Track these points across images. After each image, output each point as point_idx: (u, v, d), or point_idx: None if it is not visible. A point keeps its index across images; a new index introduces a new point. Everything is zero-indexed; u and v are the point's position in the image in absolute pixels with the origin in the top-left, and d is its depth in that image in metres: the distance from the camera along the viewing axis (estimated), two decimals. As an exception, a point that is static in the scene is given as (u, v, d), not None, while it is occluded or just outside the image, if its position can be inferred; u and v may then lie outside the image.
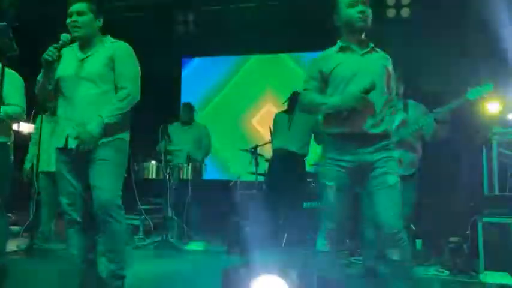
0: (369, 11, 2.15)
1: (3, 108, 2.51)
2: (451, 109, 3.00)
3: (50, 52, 2.24)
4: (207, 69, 6.97)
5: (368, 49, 2.19)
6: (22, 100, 2.84)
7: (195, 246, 4.31)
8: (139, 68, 2.40)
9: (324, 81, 2.21)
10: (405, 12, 5.52)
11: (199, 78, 6.96)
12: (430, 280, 3.23)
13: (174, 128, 4.98)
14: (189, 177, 4.56)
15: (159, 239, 4.37)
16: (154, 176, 4.66)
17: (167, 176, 4.50)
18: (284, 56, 6.66)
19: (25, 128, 4.81)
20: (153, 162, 4.74)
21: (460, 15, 5.05)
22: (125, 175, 2.45)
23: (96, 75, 2.30)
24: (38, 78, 2.36)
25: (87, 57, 2.34)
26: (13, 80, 2.78)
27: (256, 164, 4.62)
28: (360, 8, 2.13)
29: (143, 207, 4.79)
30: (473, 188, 4.14)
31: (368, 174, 2.10)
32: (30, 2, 5.62)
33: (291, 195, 4.17)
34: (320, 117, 2.26)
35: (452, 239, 3.84)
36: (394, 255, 2.04)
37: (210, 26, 6.16)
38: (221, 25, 6.08)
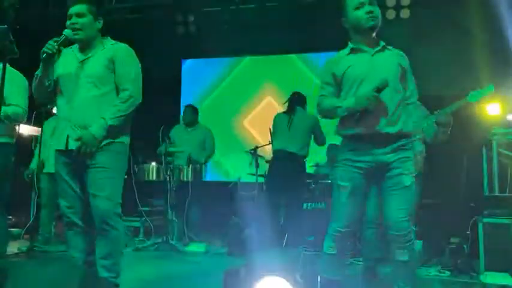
0: (377, 11, 2.15)
1: (3, 108, 2.48)
2: (452, 111, 3.00)
3: (49, 45, 2.23)
4: (206, 71, 6.98)
5: (379, 48, 2.19)
6: (24, 101, 2.80)
7: (195, 247, 4.31)
8: (140, 69, 2.40)
9: (338, 84, 2.22)
10: (405, 13, 5.53)
11: (199, 79, 6.98)
12: (431, 281, 3.23)
13: (177, 130, 4.99)
14: (190, 178, 4.56)
15: (159, 240, 4.37)
16: (154, 178, 4.66)
17: (167, 177, 4.50)
18: (284, 57, 6.68)
19: (25, 129, 4.82)
20: (154, 163, 4.75)
21: (460, 17, 5.05)
22: (125, 177, 2.45)
23: (97, 76, 2.29)
24: (37, 72, 2.34)
25: (87, 58, 2.33)
26: (16, 80, 2.74)
27: (257, 165, 4.62)
28: (367, 8, 2.13)
29: (143, 208, 4.79)
30: (473, 189, 4.14)
31: (384, 175, 2.11)
32: (31, 3, 5.66)
33: (291, 196, 4.17)
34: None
35: (452, 239, 3.84)
36: (401, 256, 2.05)
37: (209, 28, 6.17)
38: (221, 26, 6.09)
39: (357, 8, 2.15)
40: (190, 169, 4.59)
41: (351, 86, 2.16)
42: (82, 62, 2.33)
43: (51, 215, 4.34)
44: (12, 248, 3.76)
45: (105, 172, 2.26)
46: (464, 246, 3.65)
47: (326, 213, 4.36)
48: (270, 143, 4.46)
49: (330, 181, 4.60)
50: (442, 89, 4.58)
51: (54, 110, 3.57)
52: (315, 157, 4.93)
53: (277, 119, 4.40)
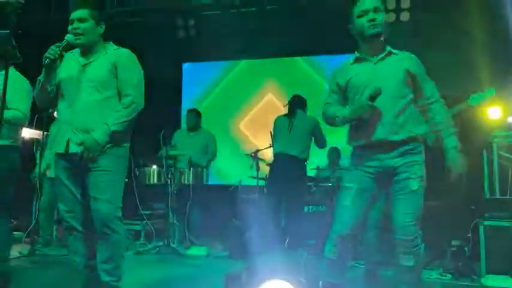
0: (381, 18, 2.15)
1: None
2: (453, 114, 3.01)
3: (51, 51, 2.24)
4: (206, 74, 7.00)
5: (383, 55, 2.19)
6: (24, 105, 2.80)
7: (196, 251, 4.31)
8: (142, 75, 2.41)
9: (342, 93, 2.26)
10: (405, 16, 5.54)
11: (199, 82, 7.00)
12: (433, 284, 3.23)
13: (179, 134, 5.00)
14: (191, 182, 4.57)
15: (160, 244, 4.37)
16: (155, 181, 4.66)
17: (168, 181, 4.51)
18: (284, 60, 6.70)
19: (27, 133, 4.83)
20: (154, 167, 4.75)
21: (460, 20, 5.06)
22: (126, 180, 2.45)
23: (99, 81, 2.30)
24: (39, 78, 2.35)
25: (89, 63, 2.35)
26: (17, 84, 2.73)
27: (257, 169, 4.63)
28: (370, 16, 2.14)
29: (145, 212, 4.79)
30: (474, 191, 4.14)
31: (391, 179, 2.12)
32: (33, 8, 5.68)
33: (291, 199, 4.17)
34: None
35: (453, 242, 3.84)
36: (406, 261, 2.06)
37: (210, 31, 6.19)
38: (221, 30, 6.11)
39: (360, 16, 2.17)
40: (191, 172, 4.60)
41: (354, 96, 2.19)
42: (84, 66, 2.34)
43: (51, 219, 4.34)
44: (14, 251, 3.76)
45: (106, 175, 2.27)
46: (465, 248, 3.65)
47: (327, 216, 4.36)
48: (270, 146, 4.46)
49: (330, 184, 4.60)
50: (442, 92, 4.57)
51: (56, 114, 3.58)
52: (316, 160, 4.93)
53: (277, 122, 4.41)
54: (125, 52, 2.40)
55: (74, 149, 2.26)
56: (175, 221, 4.55)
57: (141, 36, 5.63)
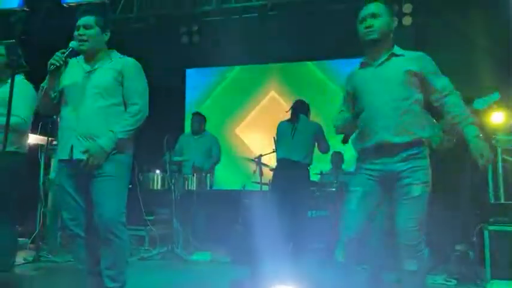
0: (378, 24, 2.16)
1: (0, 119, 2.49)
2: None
3: (56, 57, 2.26)
4: (209, 80, 7.03)
5: (383, 59, 2.19)
6: (25, 111, 2.81)
7: (200, 256, 4.31)
8: (147, 83, 2.43)
9: (351, 100, 2.30)
10: (407, 21, 5.54)
11: (202, 88, 7.03)
12: (437, 289, 3.22)
13: (184, 138, 5.02)
14: (194, 187, 4.57)
15: (164, 249, 4.38)
16: (159, 187, 4.67)
17: (172, 186, 4.52)
18: (286, 65, 6.73)
19: (32, 139, 4.85)
20: (158, 172, 4.76)
21: (463, 24, 5.07)
22: (130, 186, 2.46)
23: (103, 87, 2.31)
24: (43, 84, 2.36)
25: (94, 69, 2.36)
26: (20, 89, 2.72)
27: (261, 174, 4.63)
28: (367, 22, 2.16)
29: (148, 218, 4.80)
30: (478, 196, 4.12)
31: (395, 184, 2.12)
32: (39, 14, 5.73)
33: (295, 204, 4.16)
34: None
35: (458, 247, 3.82)
36: (410, 265, 2.06)
37: (213, 37, 6.22)
38: (224, 36, 6.14)
39: (360, 23, 2.20)
40: (195, 178, 4.61)
41: (358, 101, 2.23)
42: (89, 72, 2.35)
43: (56, 225, 4.35)
44: (19, 257, 3.78)
45: (110, 181, 2.28)
46: (470, 254, 3.63)
47: (330, 221, 4.35)
48: (273, 151, 4.46)
49: (334, 189, 4.60)
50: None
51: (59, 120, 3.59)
52: (319, 165, 4.93)
53: (280, 127, 4.41)
54: (131, 61, 2.42)
55: (78, 155, 2.27)
56: (179, 227, 4.55)
57: (144, 43, 5.66)
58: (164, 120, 5.48)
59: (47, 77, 2.34)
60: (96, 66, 2.37)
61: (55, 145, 4.16)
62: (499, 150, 3.64)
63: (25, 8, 5.75)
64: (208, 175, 4.79)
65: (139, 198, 4.37)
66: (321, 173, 5.08)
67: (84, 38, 2.33)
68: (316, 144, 4.28)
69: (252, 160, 4.77)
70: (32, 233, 4.45)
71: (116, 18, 5.89)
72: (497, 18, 4.71)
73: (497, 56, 4.67)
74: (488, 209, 3.52)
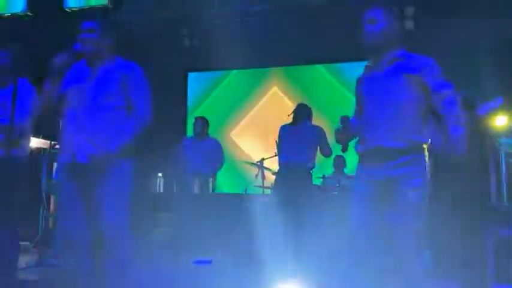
0: (377, 29, 2.17)
1: None
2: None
3: (58, 60, 2.27)
4: (211, 83, 7.04)
5: (385, 63, 2.20)
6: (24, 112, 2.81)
7: (201, 259, 4.29)
8: (149, 89, 2.44)
9: (359, 104, 2.34)
10: (409, 24, 5.55)
11: (204, 92, 7.04)
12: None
13: (187, 142, 5.02)
14: (197, 191, 4.57)
15: (166, 254, 4.37)
16: (162, 190, 4.67)
17: (175, 189, 4.52)
18: (294, 68, 6.75)
19: (34, 142, 4.86)
20: (160, 175, 4.77)
21: (465, 27, 5.07)
22: (132, 191, 2.45)
23: (106, 91, 2.32)
24: (44, 86, 2.36)
25: (96, 73, 2.36)
26: (21, 91, 2.75)
27: (263, 177, 4.63)
28: (366, 28, 2.19)
29: (150, 222, 4.79)
30: (481, 199, 4.11)
31: (392, 189, 2.11)
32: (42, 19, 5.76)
33: (297, 208, 4.15)
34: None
35: (461, 251, 3.80)
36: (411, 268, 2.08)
37: (214, 40, 6.23)
38: (225, 39, 6.14)
39: (361, 28, 2.22)
40: (197, 181, 4.61)
41: (362, 106, 2.27)
42: (92, 76, 2.36)
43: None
44: (21, 261, 3.77)
45: (114, 186, 2.27)
46: (473, 257, 3.61)
47: (333, 224, 4.33)
48: (276, 155, 4.46)
49: (336, 193, 4.59)
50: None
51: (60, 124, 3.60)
52: (322, 168, 4.92)
53: (282, 130, 4.41)
54: (134, 66, 2.43)
55: (80, 158, 2.26)
56: (181, 231, 4.55)
57: (146, 46, 5.68)
58: (166, 123, 5.49)
59: (49, 79, 2.34)
60: (99, 70, 2.37)
61: (57, 148, 4.17)
62: (502, 153, 3.63)
63: (28, 13, 5.78)
64: (211, 179, 4.78)
65: (142, 202, 4.36)
66: (323, 177, 5.07)
67: (87, 42, 2.34)
68: (318, 147, 4.28)
69: (254, 164, 4.77)
70: (34, 237, 4.46)
71: (118, 22, 5.91)
72: (501, 19, 4.71)
73: (501, 59, 4.67)
74: (492, 213, 3.51)
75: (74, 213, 2.32)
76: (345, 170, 5.39)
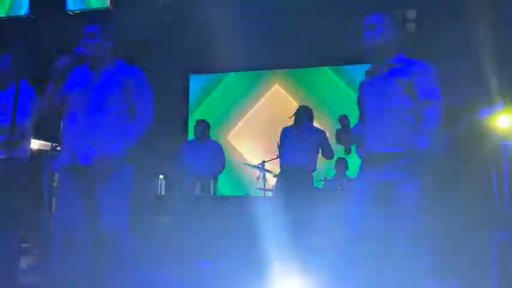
0: (376, 34, 2.19)
1: None
2: (463, 129, 3.01)
3: (61, 63, 2.27)
4: (213, 85, 7.05)
5: (383, 68, 2.22)
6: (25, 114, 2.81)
7: (203, 263, 4.28)
8: (151, 92, 2.45)
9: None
10: (411, 26, 5.54)
11: (207, 94, 7.05)
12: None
13: (188, 144, 5.02)
14: (198, 193, 4.57)
15: (166, 256, 4.35)
16: (163, 193, 4.67)
17: (176, 192, 4.51)
18: (297, 71, 6.75)
19: (36, 144, 4.86)
20: (161, 177, 4.76)
21: (468, 29, 5.06)
22: (133, 192, 2.45)
23: (108, 94, 2.32)
24: (46, 89, 2.36)
25: (99, 76, 2.37)
26: (21, 93, 2.76)
27: (264, 180, 4.62)
28: (365, 32, 2.22)
29: (151, 224, 4.78)
30: (483, 202, 4.10)
31: (390, 193, 2.12)
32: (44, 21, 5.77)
33: (299, 211, 4.14)
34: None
35: (463, 254, 3.78)
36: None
37: (216, 42, 6.23)
38: (227, 41, 6.15)
39: (362, 33, 2.24)
40: (198, 184, 4.60)
41: (361, 111, 2.31)
42: (94, 79, 2.36)
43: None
44: (21, 263, 3.76)
45: (114, 189, 2.27)
46: (475, 260, 3.59)
47: (334, 227, 4.32)
48: (277, 157, 4.46)
49: (338, 195, 4.58)
50: (450, 101, 4.56)
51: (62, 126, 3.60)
52: (324, 171, 4.92)
53: (284, 133, 4.41)
54: (137, 71, 2.43)
55: (81, 160, 2.26)
56: (181, 232, 4.54)
57: (147, 48, 5.69)
58: (167, 126, 5.49)
59: (51, 82, 2.34)
60: (100, 74, 2.38)
61: (59, 150, 4.17)
62: (504, 156, 3.62)
63: (31, 15, 5.80)
64: (212, 181, 4.78)
65: (142, 204, 4.36)
66: (325, 179, 5.06)
67: (89, 46, 2.34)
68: (320, 150, 4.28)
69: (256, 166, 4.76)
70: (35, 238, 4.45)
71: (120, 25, 5.92)
72: (503, 22, 4.71)
73: (504, 61, 4.66)
74: (494, 216, 3.50)
75: (74, 214, 2.32)
76: (347, 173, 5.38)
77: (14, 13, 5.80)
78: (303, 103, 4.89)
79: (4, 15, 5.84)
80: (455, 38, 5.13)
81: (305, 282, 2.64)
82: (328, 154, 4.31)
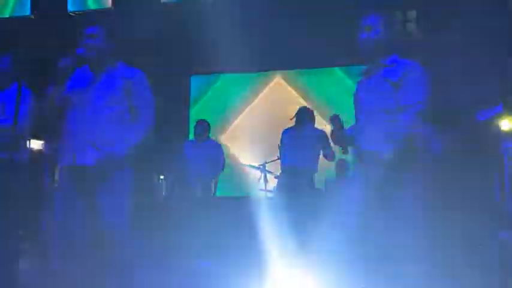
0: (372, 35, 2.19)
1: None
2: (464, 129, 3.01)
3: (62, 64, 2.28)
4: (213, 86, 7.05)
5: (375, 69, 2.22)
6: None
7: (203, 264, 4.28)
8: (152, 95, 2.45)
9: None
10: (411, 27, 5.54)
11: (207, 95, 7.05)
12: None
13: (188, 145, 5.03)
14: (199, 194, 4.57)
15: (166, 256, 4.35)
16: (163, 193, 4.67)
17: (176, 192, 4.52)
18: (300, 72, 6.76)
19: (36, 145, 4.87)
20: (162, 177, 4.77)
21: (468, 31, 5.06)
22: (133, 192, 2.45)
23: (109, 95, 2.32)
24: (48, 91, 2.36)
25: (100, 78, 2.37)
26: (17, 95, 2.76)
27: (266, 181, 4.62)
28: (362, 34, 2.21)
29: (151, 224, 4.79)
30: (486, 203, 4.09)
31: (378, 194, 2.11)
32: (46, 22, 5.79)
33: (300, 212, 4.14)
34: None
35: (465, 254, 3.78)
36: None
37: (218, 43, 6.23)
38: (229, 42, 6.15)
39: (358, 34, 2.25)
40: (199, 184, 4.60)
41: (356, 112, 2.32)
42: (94, 80, 2.37)
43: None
44: (22, 263, 3.76)
45: (114, 190, 2.27)
46: (478, 260, 3.59)
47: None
48: (278, 159, 4.45)
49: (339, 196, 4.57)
50: (450, 103, 4.56)
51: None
52: (325, 172, 4.91)
53: (285, 134, 4.40)
54: (138, 73, 2.44)
55: (81, 161, 2.27)
56: (181, 233, 4.54)
57: (150, 48, 5.70)
58: (168, 126, 5.50)
59: (52, 83, 2.35)
60: (101, 75, 2.38)
61: (59, 151, 4.17)
62: (506, 156, 3.62)
63: (32, 16, 5.82)
64: (213, 182, 4.78)
65: (142, 204, 4.36)
66: (326, 181, 5.06)
67: (90, 47, 2.34)
68: (321, 151, 4.27)
69: (257, 167, 4.76)
70: (35, 238, 4.45)
71: (121, 25, 5.93)
72: (504, 23, 4.70)
73: (505, 63, 4.65)
74: (496, 216, 3.49)
75: (74, 214, 2.32)
76: (348, 174, 5.37)
77: (17, 14, 5.82)
78: (304, 103, 4.90)
79: (8, 16, 5.85)
80: (454, 37, 5.13)
81: (305, 283, 2.63)
82: (330, 155, 4.30)
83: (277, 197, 4.44)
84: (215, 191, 4.82)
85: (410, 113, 2.08)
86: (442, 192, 3.61)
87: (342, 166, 5.33)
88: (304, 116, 4.36)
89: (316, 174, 4.29)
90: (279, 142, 4.45)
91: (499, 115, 3.34)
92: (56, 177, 4.29)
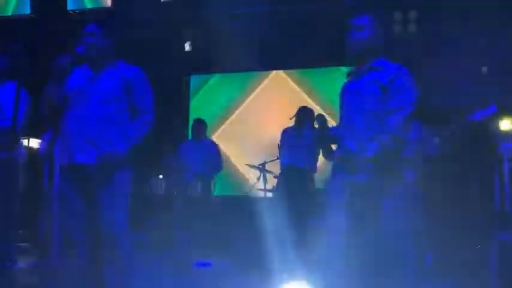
0: (363, 35, 2.17)
1: None
2: (456, 132, 3.01)
3: (61, 62, 2.27)
4: (214, 87, 7.04)
5: (363, 71, 2.20)
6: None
7: (203, 263, 4.28)
8: (152, 93, 2.45)
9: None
10: (412, 27, 5.53)
11: (207, 95, 7.04)
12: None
13: (186, 144, 5.02)
14: (197, 193, 4.56)
15: (165, 255, 4.36)
16: (161, 192, 4.67)
17: (174, 191, 4.51)
18: (302, 71, 6.75)
19: (35, 144, 4.86)
20: (160, 177, 4.76)
21: (468, 31, 5.05)
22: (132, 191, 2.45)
23: (108, 93, 2.32)
24: (46, 89, 2.36)
25: (98, 76, 2.37)
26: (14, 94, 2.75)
27: (265, 181, 4.62)
28: (352, 34, 2.19)
29: (150, 223, 4.79)
30: (484, 205, 4.09)
31: (364, 197, 2.07)
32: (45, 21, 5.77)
33: (300, 211, 4.14)
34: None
35: (463, 256, 3.78)
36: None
37: (217, 43, 6.23)
38: (228, 42, 6.14)
39: (347, 34, 2.22)
40: (197, 183, 4.60)
41: (340, 114, 2.30)
42: (94, 78, 2.36)
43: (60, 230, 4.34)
44: (21, 263, 3.76)
45: (113, 189, 2.27)
46: (475, 262, 3.59)
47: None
48: (277, 158, 4.45)
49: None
50: (449, 103, 4.57)
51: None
52: (325, 172, 4.90)
53: (285, 133, 4.40)
54: (138, 71, 2.44)
55: (80, 160, 2.26)
56: (181, 233, 4.54)
57: (149, 48, 5.68)
58: (167, 125, 5.49)
59: (51, 82, 2.34)
60: (101, 73, 2.37)
61: (59, 150, 4.16)
62: (506, 158, 3.62)
63: (32, 15, 5.80)
64: (212, 181, 4.78)
65: (141, 203, 4.36)
66: (326, 180, 5.05)
67: (90, 44, 2.34)
68: (321, 151, 4.26)
69: (256, 167, 4.76)
70: (35, 238, 4.45)
71: (121, 24, 5.91)
72: (504, 24, 4.70)
73: (505, 63, 4.65)
74: (494, 218, 3.49)
75: (74, 214, 2.32)
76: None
77: (18, 12, 5.80)
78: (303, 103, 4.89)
79: (9, 14, 5.83)
80: (454, 38, 5.13)
81: (305, 283, 2.63)
82: (330, 155, 4.30)
83: (277, 197, 4.44)
84: (213, 191, 4.81)
85: (398, 115, 2.07)
86: (442, 192, 3.61)
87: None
88: (303, 115, 4.36)
89: (316, 174, 4.28)
90: (278, 142, 4.44)
91: (495, 115, 3.33)
92: (55, 176, 4.29)
